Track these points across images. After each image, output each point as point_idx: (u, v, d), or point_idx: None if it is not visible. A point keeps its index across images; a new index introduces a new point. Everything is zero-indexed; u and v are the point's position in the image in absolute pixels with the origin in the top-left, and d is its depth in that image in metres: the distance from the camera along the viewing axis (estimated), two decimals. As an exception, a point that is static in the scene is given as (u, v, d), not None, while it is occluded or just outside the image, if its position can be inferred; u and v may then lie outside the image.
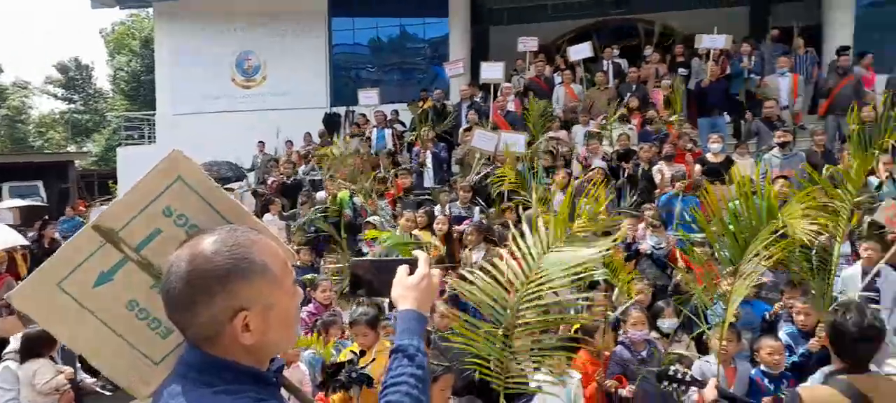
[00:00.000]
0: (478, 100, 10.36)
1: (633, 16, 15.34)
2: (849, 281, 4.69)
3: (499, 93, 9.86)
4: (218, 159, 11.03)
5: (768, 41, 10.14)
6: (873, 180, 5.94)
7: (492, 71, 9.81)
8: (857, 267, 4.73)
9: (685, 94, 9.11)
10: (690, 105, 9.23)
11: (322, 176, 8.74)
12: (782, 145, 7.11)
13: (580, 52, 10.35)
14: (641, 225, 5.99)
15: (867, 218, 5.03)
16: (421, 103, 11.09)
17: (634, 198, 7.07)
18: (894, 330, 4.94)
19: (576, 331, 3.86)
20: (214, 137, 11.88)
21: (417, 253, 1.26)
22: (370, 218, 6.95)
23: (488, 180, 7.68)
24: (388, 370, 1.12)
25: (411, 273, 1.21)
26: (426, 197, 8.22)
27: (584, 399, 3.63)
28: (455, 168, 9.28)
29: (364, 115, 11.07)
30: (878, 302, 4.52)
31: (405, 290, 1.19)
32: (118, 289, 1.16)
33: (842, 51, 9.07)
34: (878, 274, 4.62)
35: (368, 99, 11.10)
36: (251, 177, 11.05)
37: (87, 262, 1.14)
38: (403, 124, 10.74)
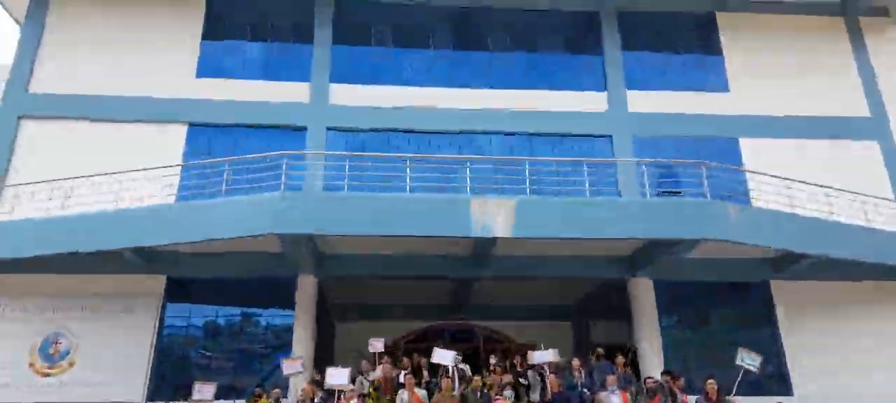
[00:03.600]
0: (318, 400, 9.79)
1: (471, 322, 16.39)
2: None
3: (342, 397, 9.45)
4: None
5: (593, 359, 11.13)
6: None
7: (337, 377, 9.55)
8: None
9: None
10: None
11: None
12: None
13: (445, 357, 10.47)
14: None
15: None
16: (256, 400, 10.22)
17: None
18: None
19: None
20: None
21: None
22: None
23: None
24: None
25: None
26: None
27: None
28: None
29: (188, 413, 9.82)
30: None
31: None
32: None
33: (665, 373, 10.21)
34: None
35: (202, 393, 9.91)
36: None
37: None
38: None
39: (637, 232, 11.01)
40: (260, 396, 10.24)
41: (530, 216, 10.72)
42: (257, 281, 12.68)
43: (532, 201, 11.21)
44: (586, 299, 15.71)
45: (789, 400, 10.30)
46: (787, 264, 12.36)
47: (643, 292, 12.86)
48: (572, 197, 11.89)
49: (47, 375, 11.32)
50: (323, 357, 11.44)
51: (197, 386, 9.94)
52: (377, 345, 10.82)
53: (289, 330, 12.44)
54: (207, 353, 12.43)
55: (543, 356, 10.37)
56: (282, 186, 10.87)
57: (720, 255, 12.05)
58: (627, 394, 9.54)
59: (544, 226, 10.73)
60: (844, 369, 12.17)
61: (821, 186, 12.51)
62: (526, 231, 10.66)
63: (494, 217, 10.58)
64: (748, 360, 10.14)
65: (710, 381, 9.36)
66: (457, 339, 15.09)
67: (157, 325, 12.02)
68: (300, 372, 10.39)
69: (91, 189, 11.56)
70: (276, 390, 10.01)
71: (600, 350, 11.30)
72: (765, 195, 12.31)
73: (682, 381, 10.19)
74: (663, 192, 13.23)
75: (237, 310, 12.89)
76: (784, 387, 12.10)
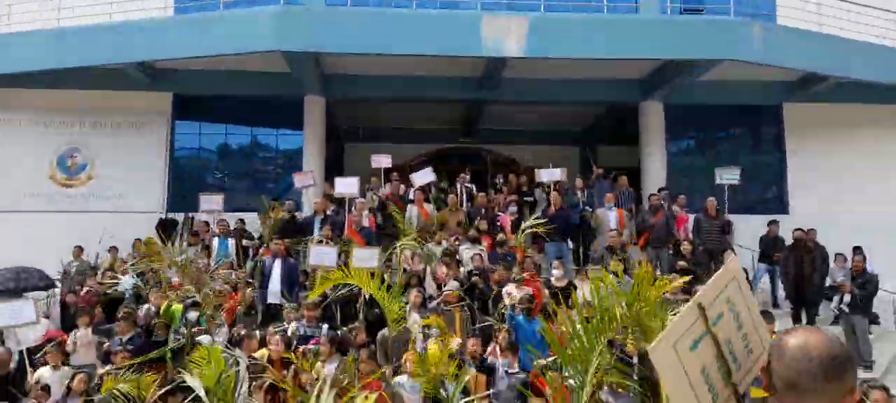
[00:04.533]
0: (331, 212, 10.15)
1: (480, 146, 16.48)
2: None
3: (353, 208, 9.76)
4: (30, 264, 9.39)
5: (593, 178, 11.27)
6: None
7: (347, 186, 9.75)
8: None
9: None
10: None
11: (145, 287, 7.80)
12: (616, 274, 7.68)
13: (423, 177, 10.67)
14: (496, 347, 5.99)
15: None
16: (271, 213, 10.60)
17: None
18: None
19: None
20: (29, 239, 10.49)
21: None
22: (200, 338, 6.05)
23: (338, 295, 7.41)
24: None
25: None
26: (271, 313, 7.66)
27: None
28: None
29: (206, 223, 10.25)
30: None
31: None
32: (700, 356, 1.50)
33: (660, 190, 10.39)
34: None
35: (210, 204, 10.31)
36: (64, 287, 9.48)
37: (689, 329, 1.50)
38: (251, 236, 10.12)
39: (657, 53, 10.60)
40: (273, 208, 10.61)
41: (545, 34, 10.27)
42: (266, 101, 12.60)
43: (547, 18, 10.69)
44: (595, 123, 15.60)
45: (783, 219, 10.51)
46: (808, 86, 12.00)
47: (653, 117, 12.71)
48: (589, 14, 11.31)
49: (68, 186, 11.79)
50: (333, 176, 11.65)
51: (203, 198, 10.26)
52: (382, 161, 10.95)
53: (299, 151, 12.63)
54: (219, 173, 12.76)
55: (551, 174, 10.51)
56: (281, 1, 10.39)
57: (737, 77, 11.67)
58: (623, 211, 9.80)
59: (560, 46, 10.33)
60: (843, 190, 12.25)
61: (851, 3, 11.73)
62: (540, 50, 10.28)
63: (506, 35, 10.16)
64: (727, 176, 10.32)
65: (711, 199, 9.54)
66: (464, 161, 15.24)
67: (168, 142, 12.20)
68: (312, 185, 10.64)
69: (83, 1, 11.07)
70: (290, 201, 10.34)
71: (599, 170, 11.39)
72: (793, 12, 11.62)
73: (682, 198, 10.39)
74: (686, 10, 12.53)
75: (247, 130, 12.98)
76: (782, 208, 12.34)
